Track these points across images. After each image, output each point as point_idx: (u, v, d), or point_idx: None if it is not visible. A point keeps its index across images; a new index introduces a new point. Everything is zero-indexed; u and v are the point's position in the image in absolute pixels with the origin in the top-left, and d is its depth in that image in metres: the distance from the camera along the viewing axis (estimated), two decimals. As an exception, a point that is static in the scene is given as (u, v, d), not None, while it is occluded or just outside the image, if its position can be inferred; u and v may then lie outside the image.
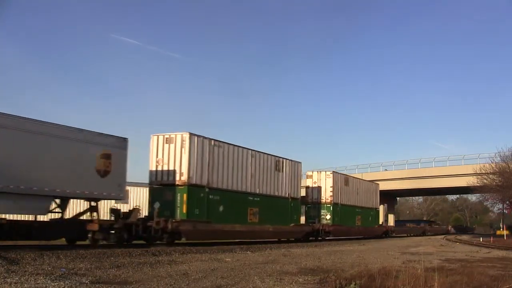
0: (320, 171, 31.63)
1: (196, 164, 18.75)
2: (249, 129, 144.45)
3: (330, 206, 30.29)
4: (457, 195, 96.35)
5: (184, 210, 18.09)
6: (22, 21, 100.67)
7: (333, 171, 32.17)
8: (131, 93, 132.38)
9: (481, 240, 36.25)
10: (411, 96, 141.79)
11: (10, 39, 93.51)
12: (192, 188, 18.46)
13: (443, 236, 53.20)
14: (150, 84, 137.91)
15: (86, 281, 7.77)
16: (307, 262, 13.00)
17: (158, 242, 17.57)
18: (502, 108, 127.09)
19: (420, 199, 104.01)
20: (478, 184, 42.22)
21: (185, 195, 18.17)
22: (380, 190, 62.67)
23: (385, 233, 42.08)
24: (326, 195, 30.41)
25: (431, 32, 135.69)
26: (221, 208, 19.95)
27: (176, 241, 18.12)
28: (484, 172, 42.11)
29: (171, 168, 18.55)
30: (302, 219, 30.84)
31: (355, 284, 7.93)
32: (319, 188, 30.56)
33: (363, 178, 65.06)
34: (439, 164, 57.09)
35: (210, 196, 19.42)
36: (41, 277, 7.81)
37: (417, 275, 8.55)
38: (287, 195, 25.04)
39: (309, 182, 31.07)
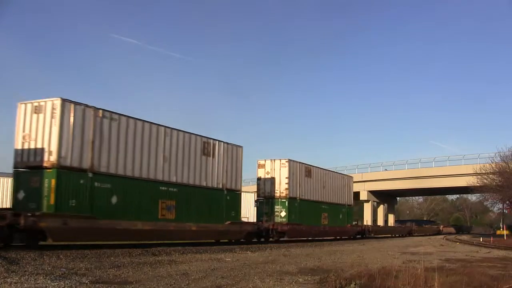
0: (274, 160, 26.18)
1: (73, 140, 14.52)
2: (249, 129, 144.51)
3: (285, 201, 25.62)
4: (457, 195, 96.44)
5: (52, 201, 13.87)
6: (22, 20, 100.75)
7: (289, 159, 26.08)
8: (131, 93, 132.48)
9: (481, 240, 36.25)
10: (411, 96, 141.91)
11: (9, 38, 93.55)
12: (64, 172, 14.23)
13: (443, 236, 53.19)
14: (150, 84, 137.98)
15: (86, 281, 7.76)
16: (307, 262, 13.00)
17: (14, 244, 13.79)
18: (502, 108, 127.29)
19: (420, 199, 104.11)
20: (478, 184, 42.26)
21: (53, 181, 13.97)
22: (380, 190, 63.33)
23: (361, 233, 37.62)
24: (281, 188, 25.62)
25: (431, 31, 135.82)
26: (114, 200, 15.64)
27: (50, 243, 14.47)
28: (484, 172, 42.15)
29: (39, 145, 14.42)
30: (250, 216, 28.62)
31: (355, 284, 7.93)
32: (272, 179, 25.83)
33: (363, 179, 64.67)
34: (439, 164, 57.22)
35: (96, 184, 15.11)
36: (41, 277, 7.80)
37: (417, 275, 8.54)
38: (221, 186, 20.65)
39: (261, 173, 26.34)
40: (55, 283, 7.31)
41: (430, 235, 55.76)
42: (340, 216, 32.83)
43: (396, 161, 62.36)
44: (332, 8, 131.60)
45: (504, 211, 54.90)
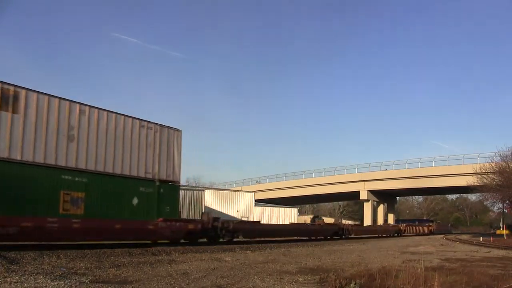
0: None
1: None
2: (249, 129, 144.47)
3: None
4: (457, 195, 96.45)
5: None
6: (22, 20, 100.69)
7: None
8: (131, 92, 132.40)
9: (481, 239, 36.25)
10: (411, 95, 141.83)
11: (10, 38, 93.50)
12: None
13: (443, 235, 53.14)
14: (151, 83, 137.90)
15: (86, 281, 7.76)
16: (307, 262, 13.00)
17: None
18: (502, 108, 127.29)
19: (420, 198, 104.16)
20: (478, 184, 42.27)
21: None
22: (380, 190, 63.36)
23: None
24: None
25: (431, 32, 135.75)
26: None
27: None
28: (484, 171, 42.18)
29: None
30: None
31: (355, 284, 7.92)
32: None
33: (363, 179, 64.23)
34: (439, 163, 57.18)
35: None
36: (41, 277, 7.80)
37: (417, 275, 8.54)
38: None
39: None
40: (55, 283, 7.31)
41: (421, 235, 52.86)
42: (136, 202, 17.11)
43: (396, 161, 62.46)
44: (333, 8, 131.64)
45: (504, 210, 54.93)
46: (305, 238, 29.94)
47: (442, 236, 51.52)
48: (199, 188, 44.64)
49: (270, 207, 51.55)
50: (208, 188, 48.48)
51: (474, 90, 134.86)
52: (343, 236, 33.79)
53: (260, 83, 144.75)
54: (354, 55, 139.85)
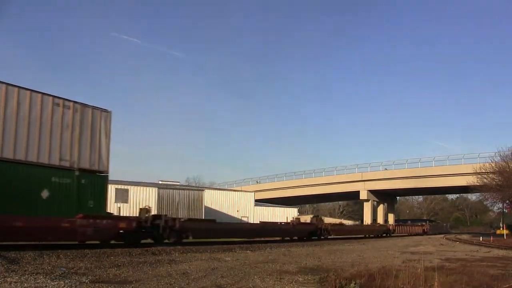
0: None
1: None
2: (249, 128, 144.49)
3: None
4: (457, 195, 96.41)
5: None
6: (22, 20, 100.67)
7: None
8: (131, 92, 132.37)
9: (481, 239, 36.24)
10: (411, 95, 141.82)
11: (10, 37, 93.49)
12: None
13: (443, 235, 53.11)
14: (151, 82, 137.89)
15: (86, 280, 7.76)
16: (307, 262, 13.00)
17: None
18: (502, 108, 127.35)
19: (420, 198, 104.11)
20: (478, 184, 42.26)
21: None
22: (380, 190, 63.37)
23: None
24: None
25: (432, 31, 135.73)
26: None
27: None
28: (484, 171, 42.17)
29: None
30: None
31: (355, 284, 7.92)
32: None
33: (363, 179, 64.02)
34: (439, 163, 57.12)
35: None
36: (41, 277, 7.80)
37: (417, 275, 8.54)
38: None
39: None
40: (55, 283, 7.30)
41: (414, 235, 49.48)
42: (46, 195, 14.79)
43: (396, 161, 62.40)
44: (333, 8, 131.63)
45: (504, 210, 54.92)
46: (277, 239, 26.79)
47: (442, 236, 51.45)
48: (199, 188, 44.70)
49: (270, 207, 51.57)
50: (208, 188, 48.54)
51: (474, 89, 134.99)
52: (322, 237, 30.43)
53: (260, 83, 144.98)
54: (354, 54, 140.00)
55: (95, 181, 15.95)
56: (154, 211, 34.27)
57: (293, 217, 36.47)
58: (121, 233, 16.00)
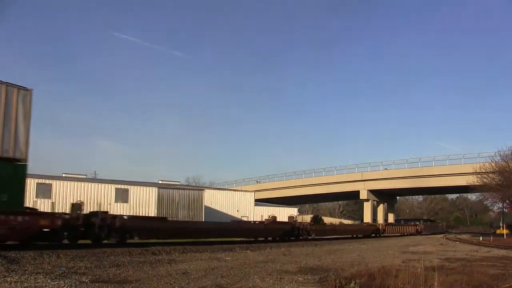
0: None
1: None
2: (249, 128, 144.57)
3: None
4: (457, 194, 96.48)
5: None
6: (22, 20, 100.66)
7: None
8: (131, 91, 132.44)
9: (481, 239, 36.25)
10: (411, 95, 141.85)
11: (10, 37, 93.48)
12: None
13: (442, 235, 53.07)
14: (151, 82, 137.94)
15: (86, 280, 7.76)
16: (307, 261, 13.00)
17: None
18: (502, 108, 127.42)
19: (420, 198, 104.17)
20: (478, 183, 42.25)
21: None
22: (380, 189, 63.34)
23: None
24: None
25: (432, 30, 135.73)
26: None
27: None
28: (484, 171, 42.16)
29: None
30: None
31: (355, 283, 7.92)
32: None
33: (363, 178, 63.94)
34: (439, 163, 57.08)
35: None
36: (41, 276, 7.80)
37: (417, 274, 8.55)
38: None
39: None
40: (55, 282, 7.30)
41: (406, 235, 47.16)
42: None
43: (396, 160, 62.30)
44: (333, 8, 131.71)
45: (504, 210, 54.92)
46: (249, 240, 23.98)
47: (442, 235, 51.41)
48: (199, 188, 44.74)
49: (269, 207, 51.56)
50: (208, 188, 48.58)
51: (474, 89, 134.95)
52: (300, 237, 27.90)
53: (260, 82, 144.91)
54: (355, 54, 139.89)
55: (9, 171, 13.18)
56: (154, 211, 34.32)
57: (268, 215, 32.99)
58: (44, 232, 14.00)
